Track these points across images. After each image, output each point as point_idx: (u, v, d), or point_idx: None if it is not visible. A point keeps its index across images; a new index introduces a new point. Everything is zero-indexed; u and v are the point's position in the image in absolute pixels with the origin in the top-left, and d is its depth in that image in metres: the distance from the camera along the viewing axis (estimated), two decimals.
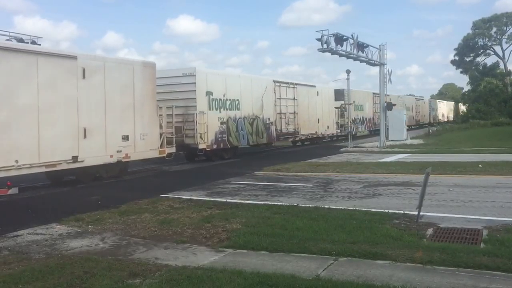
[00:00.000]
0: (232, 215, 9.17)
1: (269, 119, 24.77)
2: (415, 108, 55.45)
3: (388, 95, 36.02)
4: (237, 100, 21.98)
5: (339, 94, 34.54)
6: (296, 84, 28.02)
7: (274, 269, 5.93)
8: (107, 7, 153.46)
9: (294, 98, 27.39)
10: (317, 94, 30.61)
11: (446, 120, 69.31)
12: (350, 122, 32.51)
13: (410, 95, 62.50)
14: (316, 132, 30.58)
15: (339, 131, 34.86)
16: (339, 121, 35.02)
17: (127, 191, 13.09)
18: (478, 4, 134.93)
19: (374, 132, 40.51)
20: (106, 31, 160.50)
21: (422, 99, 61.75)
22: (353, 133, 34.46)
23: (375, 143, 28.68)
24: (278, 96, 25.67)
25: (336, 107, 34.14)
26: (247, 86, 22.91)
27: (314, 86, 30.84)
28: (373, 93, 42.04)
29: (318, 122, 30.76)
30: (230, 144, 21.52)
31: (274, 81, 25.64)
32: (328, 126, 32.67)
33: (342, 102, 34.41)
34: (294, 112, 27.47)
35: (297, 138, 29.75)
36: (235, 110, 21.86)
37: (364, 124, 41.05)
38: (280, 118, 25.90)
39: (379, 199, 10.92)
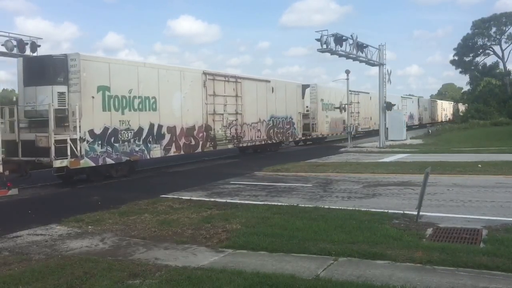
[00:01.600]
0: (232, 215, 9.18)
1: None
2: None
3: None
4: None
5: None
6: None
7: (274, 269, 5.94)
8: (108, 8, 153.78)
9: None
10: None
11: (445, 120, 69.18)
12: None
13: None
14: None
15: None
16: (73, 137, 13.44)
17: (127, 192, 13.10)
18: (478, 4, 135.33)
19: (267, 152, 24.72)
20: (107, 32, 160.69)
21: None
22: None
23: (374, 143, 28.71)
24: None
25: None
26: None
27: None
28: (265, 81, 23.80)
29: None
30: None
31: None
32: None
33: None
34: None
35: None
36: None
37: (230, 136, 21.20)
38: None
39: (379, 199, 10.92)
